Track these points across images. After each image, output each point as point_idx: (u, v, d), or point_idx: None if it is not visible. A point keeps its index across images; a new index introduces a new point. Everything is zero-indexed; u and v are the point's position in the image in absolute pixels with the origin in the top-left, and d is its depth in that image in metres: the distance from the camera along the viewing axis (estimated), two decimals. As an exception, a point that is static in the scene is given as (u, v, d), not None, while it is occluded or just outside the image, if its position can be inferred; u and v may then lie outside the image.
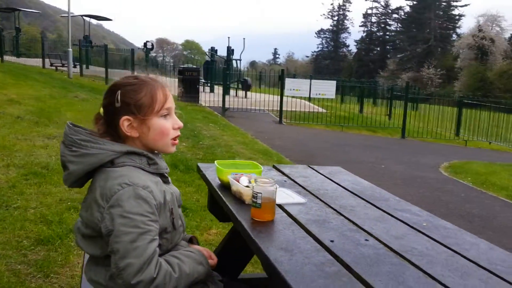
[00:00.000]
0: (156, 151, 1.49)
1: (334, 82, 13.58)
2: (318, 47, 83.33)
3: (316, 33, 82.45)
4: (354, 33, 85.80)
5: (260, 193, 1.56)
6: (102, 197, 1.30)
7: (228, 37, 18.96)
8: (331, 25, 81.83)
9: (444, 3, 68.78)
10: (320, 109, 15.19)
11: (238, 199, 1.80)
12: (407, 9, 71.34)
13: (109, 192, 1.28)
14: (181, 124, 1.49)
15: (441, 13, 67.78)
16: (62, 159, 1.41)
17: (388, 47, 75.09)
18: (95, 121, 1.47)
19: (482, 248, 1.49)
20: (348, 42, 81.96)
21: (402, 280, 1.18)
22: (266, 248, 1.35)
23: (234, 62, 18.58)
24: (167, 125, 1.44)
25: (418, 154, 10.30)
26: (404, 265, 1.29)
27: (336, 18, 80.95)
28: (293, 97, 13.41)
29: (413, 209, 1.90)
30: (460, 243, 1.51)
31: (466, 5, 72.41)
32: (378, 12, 75.81)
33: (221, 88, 14.95)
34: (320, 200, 1.91)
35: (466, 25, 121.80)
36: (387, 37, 75.59)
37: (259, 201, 1.56)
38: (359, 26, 77.25)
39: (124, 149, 1.38)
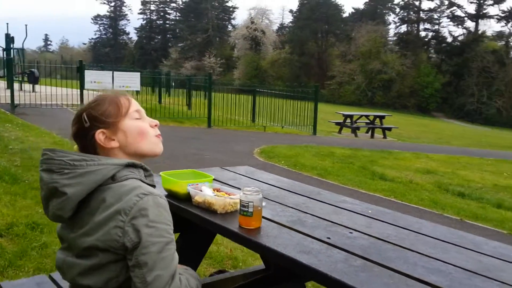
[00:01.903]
0: (143, 157, 1.45)
1: (138, 74, 13.40)
2: (96, 34, 79.71)
3: (92, 18, 78.63)
4: (134, 20, 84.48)
5: (252, 202, 1.64)
6: (120, 212, 1.23)
7: (7, 23, 16.84)
8: (108, 11, 79.07)
9: (219, -5, 73.19)
10: (122, 102, 14.79)
11: (205, 209, 1.83)
12: (185, -2, 73.60)
13: (128, 205, 1.23)
14: (157, 121, 1.50)
15: (217, 4, 71.98)
16: (52, 186, 1.29)
17: (169, 35, 76.36)
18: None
19: (427, 226, 1.88)
20: (128, 29, 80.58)
21: (412, 262, 1.46)
22: (287, 252, 1.46)
23: (15, 51, 16.57)
24: (143, 124, 1.44)
25: (231, 142, 11.04)
26: (398, 249, 1.57)
27: (113, 3, 78.47)
28: (94, 90, 12.73)
29: (346, 199, 2.21)
30: (411, 224, 1.87)
31: (239, -2, 78.55)
32: (157, 0, 76.30)
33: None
34: (272, 200, 2.06)
35: (240, 17, 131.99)
36: (167, 25, 76.78)
37: (250, 209, 1.64)
38: (138, 13, 76.58)
39: (123, 162, 1.35)
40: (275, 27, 66.97)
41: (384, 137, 15.85)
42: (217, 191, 1.92)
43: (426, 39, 55.89)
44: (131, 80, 12.73)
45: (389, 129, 16.13)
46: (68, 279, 1.36)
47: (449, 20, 54.32)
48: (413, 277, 1.33)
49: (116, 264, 1.26)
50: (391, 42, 55.92)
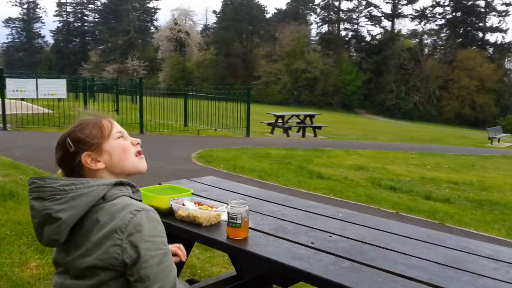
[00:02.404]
0: (129, 175, 1.51)
1: (64, 81, 12.86)
2: (8, 38, 75.12)
3: (3, 22, 74.02)
4: (49, 23, 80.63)
5: (240, 213, 1.74)
6: (115, 230, 1.28)
7: None
8: (20, 14, 74.82)
9: (139, -4, 71.66)
10: (46, 110, 14.15)
11: (189, 223, 1.90)
12: (104, 0, 71.32)
13: (123, 222, 1.29)
14: (138, 140, 1.56)
15: (138, 5, 70.44)
16: (45, 213, 1.32)
17: (88, 38, 73.70)
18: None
19: (395, 226, 2.07)
20: (43, 32, 76.78)
21: (392, 260, 1.63)
22: (281, 259, 1.58)
23: None
24: (125, 143, 1.50)
25: (167, 147, 10.93)
26: (377, 249, 1.74)
27: (26, 6, 74.38)
28: (17, 99, 12.12)
29: (314, 204, 2.36)
30: (380, 225, 2.06)
31: (160, -1, 77.41)
32: (73, 1, 73.31)
33: None
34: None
35: (163, 18, 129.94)
36: (86, 28, 74.03)
37: (239, 221, 1.74)
38: (54, 15, 73.18)
39: (111, 181, 1.40)
40: (199, 28, 66.78)
41: (315, 135, 16.40)
42: (198, 204, 1.99)
43: (347, 39, 58.29)
44: (56, 87, 12.23)
45: (319, 127, 16.71)
46: None
47: (367, 19, 57.12)
48: (397, 274, 1.50)
49: (117, 281, 1.32)
50: (313, 42, 57.68)
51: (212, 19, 70.96)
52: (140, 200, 1.45)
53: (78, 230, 1.34)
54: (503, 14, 52.81)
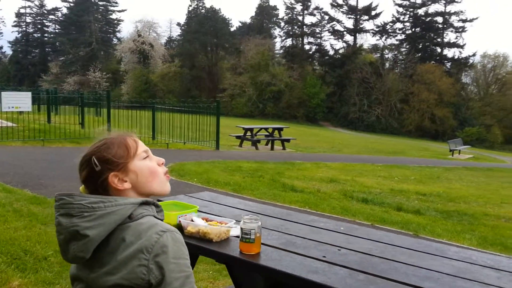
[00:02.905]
0: (152, 195, 1.52)
1: (29, 94, 12.51)
2: (-38, 48, 72.53)
3: (-41, 31, 71.42)
4: (7, 33, 78.30)
5: (253, 229, 1.77)
6: (142, 250, 1.29)
7: None
8: (-24, 23, 72.40)
9: (102, 7, 70.69)
10: (9, 123, 13.72)
11: (199, 239, 1.91)
12: (65, 10, 70.01)
13: (149, 243, 1.29)
14: (163, 159, 1.57)
15: (100, 16, 69.49)
16: (73, 230, 1.32)
17: (48, 49, 71.98)
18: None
19: (395, 238, 2.15)
20: (1, 43, 74.46)
21: (403, 272, 1.70)
22: (298, 273, 1.62)
23: None
24: (152, 164, 1.50)
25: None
26: (385, 261, 1.80)
27: (-20, 15, 72.06)
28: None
29: (315, 218, 2.42)
30: (381, 237, 2.13)
31: (123, 11, 76.74)
32: (33, 12, 71.62)
33: None
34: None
35: (126, 30, 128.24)
36: (46, 39, 72.33)
37: (252, 236, 1.78)
38: (12, 26, 71.22)
39: (138, 200, 1.40)
40: (163, 40, 66.49)
41: (284, 148, 16.55)
42: (206, 220, 2.01)
43: (311, 52, 59.27)
44: (21, 100, 11.91)
45: (288, 140, 16.89)
46: None
47: (330, 34, 58.26)
48: (412, 285, 1.56)
49: None
50: (278, 55, 58.40)
51: (176, 32, 70.74)
52: (163, 220, 1.47)
53: (103, 247, 1.34)
54: (460, 30, 55.00)
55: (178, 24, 67.67)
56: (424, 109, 49.75)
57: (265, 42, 54.64)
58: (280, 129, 17.11)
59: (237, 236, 1.97)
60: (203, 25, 58.37)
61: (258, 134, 17.05)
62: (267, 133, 17.09)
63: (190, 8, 60.97)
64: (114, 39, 70.90)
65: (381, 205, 7.94)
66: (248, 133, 16.38)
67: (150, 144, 14.36)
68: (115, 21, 71.92)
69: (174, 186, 6.72)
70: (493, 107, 53.02)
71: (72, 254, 1.35)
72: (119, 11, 72.04)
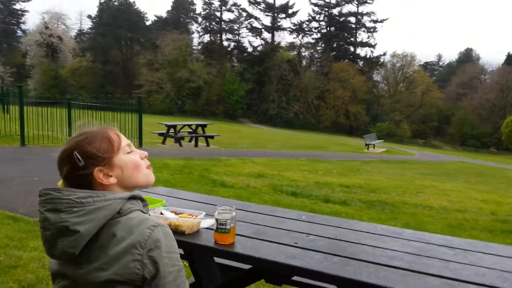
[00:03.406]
0: (137, 188, 1.53)
1: None
2: None
3: None
4: None
5: (229, 220, 1.82)
6: (135, 245, 1.30)
7: None
8: None
9: (4, -4, 66.06)
10: None
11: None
12: (-39, -1, 64.48)
13: (142, 237, 1.31)
14: (146, 152, 1.57)
15: (2, 6, 64.87)
16: (62, 226, 1.30)
17: None
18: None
19: (353, 223, 2.29)
20: None
21: (371, 253, 1.83)
22: (278, 259, 1.70)
23: None
24: (135, 157, 1.50)
25: (53, 160, 10.30)
26: (352, 245, 1.93)
27: None
28: None
29: (274, 208, 2.50)
30: (341, 223, 2.27)
31: (28, 0, 71.99)
32: None
33: None
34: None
35: (31, 21, 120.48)
36: None
37: (228, 226, 1.82)
38: None
39: (126, 195, 1.41)
40: (73, 33, 63.31)
41: (208, 145, 16.55)
42: (175, 213, 2.02)
43: (229, 49, 59.47)
44: None
45: (212, 137, 16.90)
46: None
47: (248, 31, 58.82)
48: (383, 264, 1.70)
49: None
50: (196, 51, 57.99)
51: (87, 24, 67.66)
52: (148, 214, 1.47)
53: (92, 243, 1.32)
54: (372, 30, 58.03)
55: (89, 16, 64.64)
56: (339, 106, 51.96)
57: (182, 37, 53.95)
58: (203, 126, 17.07)
59: (207, 228, 2.01)
60: (116, 18, 56.43)
61: (181, 131, 16.89)
62: (191, 130, 16.99)
63: (102, 0, 58.67)
64: (19, 31, 66.47)
65: (309, 198, 8.24)
66: (171, 130, 16.18)
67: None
68: (19, 12, 67.40)
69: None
70: (402, 104, 56.57)
71: (61, 250, 1.32)
72: (23, 1, 67.46)
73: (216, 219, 1.83)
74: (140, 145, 14.46)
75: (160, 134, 16.52)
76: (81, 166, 1.37)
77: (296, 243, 1.89)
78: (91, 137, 1.42)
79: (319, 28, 59.16)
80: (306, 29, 58.90)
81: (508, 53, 63.77)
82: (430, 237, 2.12)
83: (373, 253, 1.82)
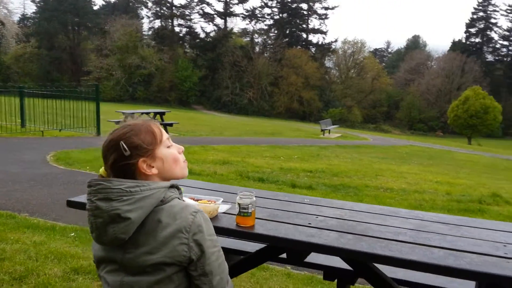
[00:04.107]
0: (173, 179, 1.66)
1: None
2: None
3: None
4: None
5: (250, 204, 1.98)
6: (181, 230, 1.44)
7: None
8: None
9: None
10: None
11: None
12: None
13: (186, 223, 1.45)
14: (183, 147, 1.71)
15: None
16: (114, 213, 1.42)
17: None
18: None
19: (353, 205, 2.50)
20: None
21: (377, 230, 2.05)
22: (300, 238, 1.88)
23: None
24: (174, 151, 1.64)
25: (12, 151, 10.02)
26: (360, 223, 2.14)
27: None
28: None
29: (276, 193, 2.67)
30: (342, 205, 2.47)
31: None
32: None
33: None
34: (228, 201, 2.39)
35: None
36: None
37: (249, 210, 1.98)
38: None
39: (167, 184, 1.55)
40: (16, 17, 60.44)
41: (167, 132, 16.45)
42: (193, 199, 2.15)
43: (181, 35, 58.75)
44: None
45: (171, 125, 16.81)
46: None
47: (200, 16, 58.27)
48: (390, 239, 1.91)
49: (179, 274, 1.47)
50: (147, 37, 56.86)
51: (31, 9, 64.97)
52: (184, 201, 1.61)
53: (139, 229, 1.45)
54: (323, 17, 58.90)
55: (33, 0, 62.07)
56: (293, 92, 52.64)
57: (132, 22, 52.79)
58: (162, 114, 16.94)
59: (224, 213, 2.16)
60: (62, 3, 54.44)
61: (139, 119, 16.68)
62: (149, 118, 16.80)
63: (47, -16, 56.33)
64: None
65: (276, 183, 8.48)
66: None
67: (20, 132, 13.36)
68: (-45, -6, 63.72)
69: (67, 175, 6.54)
70: (353, 90, 57.96)
71: (111, 236, 1.43)
72: (-41, -17, 63.74)
73: (239, 204, 1.98)
74: (98, 133, 14.25)
75: (117, 123, 16.16)
76: (127, 156, 1.48)
77: (309, 223, 2.07)
78: (137, 129, 1.53)
79: (272, 15, 59.43)
80: (259, 15, 59.01)
81: (453, 40, 66.59)
82: (423, 215, 2.36)
83: (379, 230, 2.04)
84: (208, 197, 2.23)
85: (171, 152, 1.60)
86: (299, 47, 57.59)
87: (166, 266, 1.43)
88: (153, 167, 1.53)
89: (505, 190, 9.64)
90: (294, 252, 2.09)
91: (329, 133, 23.88)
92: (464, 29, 69.65)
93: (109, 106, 25.86)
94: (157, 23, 58.58)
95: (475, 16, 66.94)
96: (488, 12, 66.09)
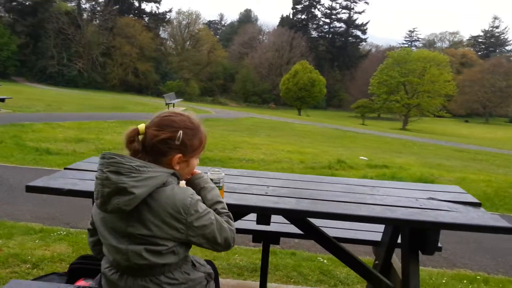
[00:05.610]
0: None
1: None
2: None
3: None
4: None
5: (222, 178, 2.26)
6: (179, 211, 1.66)
7: None
8: None
9: None
10: None
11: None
12: None
13: (184, 204, 1.68)
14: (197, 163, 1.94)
15: None
16: (122, 187, 1.59)
17: None
18: (132, 138, 1.71)
19: (287, 174, 2.90)
20: None
21: (325, 195, 2.49)
22: (268, 205, 2.22)
23: None
24: (196, 163, 1.89)
25: None
26: (308, 190, 2.55)
27: None
28: None
29: (214, 169, 2.94)
30: (278, 176, 2.85)
31: None
32: None
33: None
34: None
35: None
36: None
37: (221, 184, 2.25)
38: None
39: (170, 171, 1.76)
40: None
41: (-1, 109, 14.99)
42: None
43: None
44: None
45: (3, 100, 15.30)
46: (132, 263, 1.68)
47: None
48: (339, 201, 2.36)
49: (181, 245, 1.73)
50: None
51: None
52: None
53: (141, 205, 1.64)
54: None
55: None
56: (128, 63, 51.09)
57: None
58: (-10, 88, 15.31)
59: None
60: None
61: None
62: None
63: None
64: None
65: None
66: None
67: None
68: None
69: None
70: (190, 62, 58.44)
71: (114, 206, 1.61)
72: None
73: (211, 179, 2.22)
74: None
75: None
76: (175, 144, 1.70)
77: (267, 193, 2.41)
78: (196, 131, 1.78)
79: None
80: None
81: (282, 16, 70.92)
82: (344, 180, 2.88)
83: (323, 194, 2.46)
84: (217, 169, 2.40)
85: (194, 164, 1.85)
86: (131, 15, 55.75)
87: (161, 240, 1.66)
88: (179, 164, 1.75)
89: (345, 156, 11.06)
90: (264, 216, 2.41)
91: (173, 106, 24.01)
92: (291, 5, 74.66)
93: None
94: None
95: (301, -7, 72.07)
96: (312, -11, 71.67)
